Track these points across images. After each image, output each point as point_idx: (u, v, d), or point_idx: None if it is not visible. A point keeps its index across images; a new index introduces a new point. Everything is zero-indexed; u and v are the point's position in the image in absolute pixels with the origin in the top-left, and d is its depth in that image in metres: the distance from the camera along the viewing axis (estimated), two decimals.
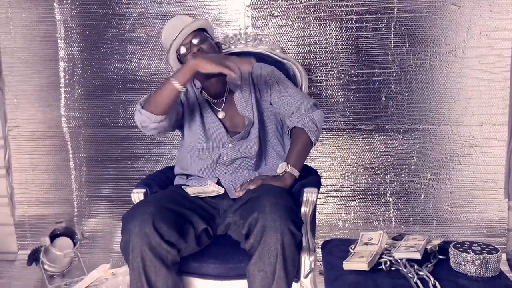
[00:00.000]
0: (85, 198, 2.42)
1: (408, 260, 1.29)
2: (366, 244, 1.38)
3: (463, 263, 1.25)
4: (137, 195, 1.61)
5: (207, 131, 1.66)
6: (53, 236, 2.28)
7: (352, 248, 1.39)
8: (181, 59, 1.63)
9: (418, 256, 1.28)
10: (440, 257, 1.33)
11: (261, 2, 2.16)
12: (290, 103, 1.66)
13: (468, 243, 1.30)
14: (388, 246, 1.39)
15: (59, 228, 2.30)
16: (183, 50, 1.59)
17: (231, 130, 1.67)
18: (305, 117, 1.64)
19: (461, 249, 1.27)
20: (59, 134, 2.39)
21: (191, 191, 1.59)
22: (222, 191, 1.60)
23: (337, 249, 1.45)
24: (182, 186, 1.62)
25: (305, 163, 1.69)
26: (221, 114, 1.67)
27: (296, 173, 1.59)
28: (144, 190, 1.61)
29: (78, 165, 2.41)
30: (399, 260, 1.29)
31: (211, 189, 1.60)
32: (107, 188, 2.39)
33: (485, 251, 1.25)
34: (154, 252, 1.36)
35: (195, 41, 1.58)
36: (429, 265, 1.28)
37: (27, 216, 2.47)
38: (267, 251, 1.32)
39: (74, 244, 2.28)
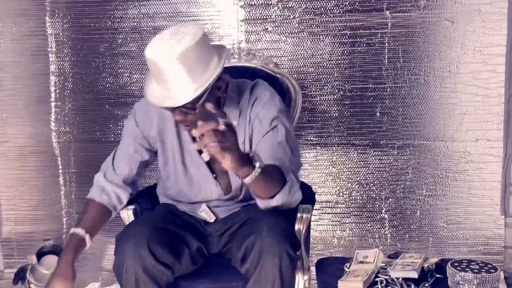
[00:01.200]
0: (75, 215, 2.37)
1: (405, 279, 1.26)
2: (361, 262, 1.35)
3: (461, 282, 1.22)
4: (127, 212, 1.57)
5: (190, 176, 1.52)
6: (40, 254, 2.22)
7: (347, 266, 1.35)
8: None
9: (415, 275, 1.25)
10: (438, 275, 1.30)
11: (255, 17, 2.15)
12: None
13: (466, 261, 1.27)
14: (384, 264, 1.35)
15: (46, 245, 2.25)
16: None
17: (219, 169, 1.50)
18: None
19: (459, 268, 1.24)
20: (48, 149, 2.35)
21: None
22: (212, 219, 1.56)
23: (332, 268, 1.42)
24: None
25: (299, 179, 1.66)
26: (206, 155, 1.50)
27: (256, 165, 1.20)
28: (133, 207, 1.57)
29: (68, 180, 2.36)
30: (395, 279, 1.26)
31: (203, 215, 1.56)
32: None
33: (483, 270, 1.22)
34: (149, 273, 1.32)
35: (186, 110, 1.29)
36: (426, 285, 1.25)
37: (14, 233, 2.41)
38: (264, 276, 1.27)
39: None
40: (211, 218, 1.55)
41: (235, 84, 1.49)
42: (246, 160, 1.17)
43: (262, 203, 1.31)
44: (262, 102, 1.44)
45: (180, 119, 1.31)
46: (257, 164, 1.19)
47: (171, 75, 1.24)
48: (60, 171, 2.36)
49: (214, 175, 1.51)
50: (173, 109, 1.30)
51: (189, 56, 1.23)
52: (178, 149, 1.51)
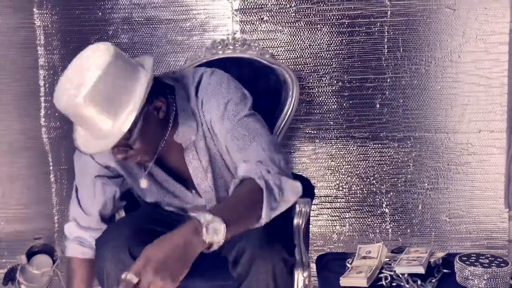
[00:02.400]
0: (66, 213, 2.28)
1: (411, 275, 1.20)
2: (364, 257, 1.29)
3: (470, 277, 1.16)
4: (120, 211, 1.51)
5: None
6: (31, 254, 2.16)
7: (349, 262, 1.30)
8: None
9: (421, 270, 1.20)
10: (445, 271, 1.24)
11: (250, 7, 2.09)
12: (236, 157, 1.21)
13: (474, 255, 1.21)
14: (388, 259, 1.29)
15: (37, 244, 2.19)
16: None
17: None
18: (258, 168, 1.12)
19: (467, 262, 1.18)
20: (39, 145, 2.28)
21: None
22: None
23: (333, 264, 1.36)
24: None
25: (298, 173, 1.60)
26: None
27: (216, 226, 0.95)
28: (124, 202, 1.50)
29: (59, 178, 2.29)
30: (400, 275, 1.20)
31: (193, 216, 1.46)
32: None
33: (493, 264, 1.16)
34: None
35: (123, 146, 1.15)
36: (434, 280, 1.19)
37: (4, 232, 2.34)
38: (256, 282, 1.19)
39: (54, 262, 2.17)
40: None
41: (181, 86, 1.27)
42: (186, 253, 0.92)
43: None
44: (209, 103, 1.24)
45: (123, 157, 1.17)
46: (206, 238, 0.93)
47: (89, 119, 1.09)
48: (51, 168, 2.29)
49: (191, 190, 1.38)
50: (111, 149, 1.15)
51: (100, 92, 1.08)
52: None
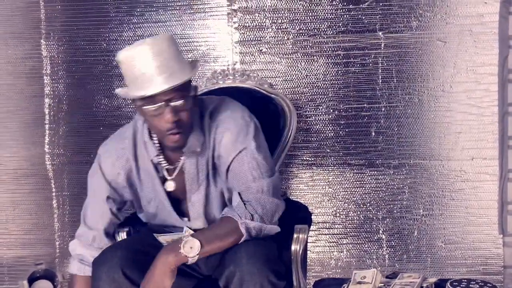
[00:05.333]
0: (68, 238, 2.33)
1: None
2: (359, 283, 1.32)
3: None
4: (121, 234, 1.55)
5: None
6: (32, 279, 2.18)
7: (345, 287, 1.33)
8: (139, 109, 1.29)
9: None
10: None
11: (249, 39, 2.17)
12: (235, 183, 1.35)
13: (465, 281, 1.25)
14: (383, 284, 1.33)
15: (38, 270, 2.21)
16: (154, 111, 1.25)
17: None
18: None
19: None
20: (42, 172, 2.32)
21: (163, 239, 1.45)
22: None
23: None
24: (154, 235, 1.47)
25: (295, 200, 1.64)
26: (170, 186, 1.40)
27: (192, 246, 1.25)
28: (127, 229, 1.54)
29: (61, 203, 2.33)
30: None
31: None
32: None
33: None
34: None
35: (176, 103, 1.24)
36: None
37: (6, 258, 2.37)
38: None
39: (55, 287, 2.18)
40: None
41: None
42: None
43: None
44: (223, 127, 1.36)
45: (174, 120, 1.24)
46: (185, 254, 1.24)
47: (165, 58, 1.22)
48: (54, 194, 2.33)
49: (183, 217, 1.45)
50: (166, 104, 1.23)
51: (174, 44, 1.28)
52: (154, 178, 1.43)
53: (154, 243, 1.42)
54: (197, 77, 2.17)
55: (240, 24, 2.17)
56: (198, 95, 1.43)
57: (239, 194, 1.33)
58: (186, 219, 1.46)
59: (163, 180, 1.42)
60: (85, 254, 1.47)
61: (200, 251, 1.24)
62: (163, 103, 1.24)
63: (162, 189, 1.42)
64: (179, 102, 1.24)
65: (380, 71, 2.13)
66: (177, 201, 1.46)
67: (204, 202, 1.42)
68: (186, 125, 1.30)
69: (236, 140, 1.34)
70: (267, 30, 2.15)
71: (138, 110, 1.31)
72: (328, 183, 2.19)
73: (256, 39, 2.16)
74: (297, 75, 2.16)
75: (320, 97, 2.16)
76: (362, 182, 2.17)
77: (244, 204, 1.31)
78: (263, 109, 1.84)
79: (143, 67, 1.22)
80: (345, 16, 2.12)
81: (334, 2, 2.12)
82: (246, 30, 2.16)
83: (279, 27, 2.15)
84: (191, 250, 1.24)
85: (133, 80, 1.24)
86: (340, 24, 2.12)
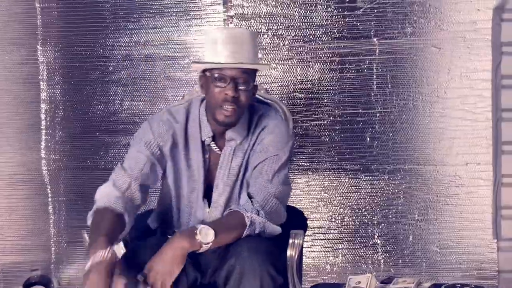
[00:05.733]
0: (64, 244, 2.33)
1: None
2: None
3: None
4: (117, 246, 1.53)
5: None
6: (27, 285, 2.17)
7: None
8: (204, 81, 1.40)
9: None
10: None
11: None
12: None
13: (459, 285, 1.26)
14: None
15: (34, 276, 2.20)
16: (220, 83, 1.35)
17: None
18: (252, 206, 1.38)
19: None
20: (38, 177, 2.32)
21: None
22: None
23: None
24: None
25: (291, 205, 1.64)
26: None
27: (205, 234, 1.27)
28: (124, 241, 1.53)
29: (57, 209, 2.33)
30: None
31: None
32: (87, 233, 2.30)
33: None
34: None
35: (239, 84, 1.35)
36: None
37: (1, 264, 2.36)
38: None
39: None
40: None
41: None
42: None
43: None
44: (269, 130, 1.47)
45: (233, 95, 1.34)
46: (201, 239, 1.26)
47: (248, 42, 1.35)
48: (50, 199, 2.33)
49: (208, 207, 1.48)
50: (232, 81, 1.34)
51: (256, 37, 1.42)
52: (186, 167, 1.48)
53: (157, 243, 1.39)
54: (193, 82, 2.19)
55: None
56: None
57: (249, 193, 1.41)
58: (207, 207, 1.48)
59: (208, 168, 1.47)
60: (116, 195, 1.37)
61: (213, 240, 1.27)
62: (230, 79, 1.34)
63: (203, 171, 1.46)
64: (242, 86, 1.35)
65: (375, 77, 2.15)
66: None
67: (229, 191, 1.47)
68: (241, 105, 1.37)
69: (275, 145, 1.44)
70: (263, 36, 2.17)
71: (205, 80, 1.40)
72: (323, 188, 2.20)
73: None
74: (292, 81, 2.18)
75: (316, 102, 2.17)
76: (357, 187, 2.19)
77: (252, 202, 1.38)
78: None
79: (225, 44, 1.35)
80: (340, 22, 2.14)
81: (329, 9, 2.13)
82: None
83: (274, 33, 2.16)
84: (206, 237, 1.26)
85: (213, 52, 1.36)
86: (335, 31, 2.14)
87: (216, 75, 1.35)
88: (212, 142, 1.46)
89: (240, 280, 1.27)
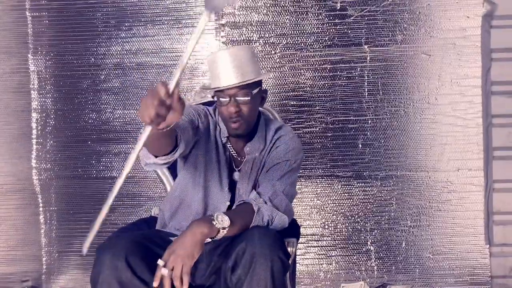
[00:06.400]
0: (55, 254, 2.30)
1: None
2: None
3: None
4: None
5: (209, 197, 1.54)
6: None
7: None
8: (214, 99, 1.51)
9: None
10: None
11: None
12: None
13: None
14: None
15: (24, 287, 2.17)
16: (223, 102, 1.45)
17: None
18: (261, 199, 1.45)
19: None
20: (29, 187, 2.30)
21: None
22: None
23: None
24: None
25: None
26: (236, 175, 1.54)
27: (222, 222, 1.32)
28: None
29: (48, 218, 2.31)
30: None
31: None
32: (79, 243, 2.29)
33: None
34: (124, 287, 1.28)
35: (239, 98, 1.44)
36: None
37: None
38: (257, 281, 1.26)
39: None
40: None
41: (263, 118, 1.61)
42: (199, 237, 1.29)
43: None
44: (284, 140, 1.57)
45: (234, 111, 1.43)
46: (218, 225, 1.31)
47: (241, 59, 1.44)
48: (41, 209, 2.31)
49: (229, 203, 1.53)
50: (232, 97, 1.43)
51: (251, 51, 1.50)
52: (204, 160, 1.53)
53: (160, 244, 1.42)
54: (185, 90, 2.19)
55: (228, 38, 2.18)
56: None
57: (258, 192, 1.47)
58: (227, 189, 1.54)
59: (229, 167, 1.56)
60: None
61: (229, 226, 1.32)
62: (229, 97, 1.44)
63: (226, 173, 1.54)
64: (242, 98, 1.44)
65: (366, 84, 2.16)
66: None
67: (249, 192, 1.54)
68: (246, 117, 1.47)
69: (287, 153, 1.55)
70: (254, 44, 2.17)
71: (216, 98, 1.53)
72: (316, 195, 2.20)
73: None
74: (284, 88, 2.18)
75: (308, 109, 2.18)
76: (350, 194, 2.19)
77: (260, 195, 1.44)
78: None
79: (221, 67, 1.45)
80: (331, 30, 2.15)
81: (320, 17, 2.15)
82: (234, 44, 2.18)
83: (266, 41, 2.17)
84: (223, 222, 1.31)
85: (213, 76, 1.48)
86: (327, 38, 2.15)
87: (218, 97, 1.47)
88: (229, 145, 1.56)
89: (251, 262, 1.27)
